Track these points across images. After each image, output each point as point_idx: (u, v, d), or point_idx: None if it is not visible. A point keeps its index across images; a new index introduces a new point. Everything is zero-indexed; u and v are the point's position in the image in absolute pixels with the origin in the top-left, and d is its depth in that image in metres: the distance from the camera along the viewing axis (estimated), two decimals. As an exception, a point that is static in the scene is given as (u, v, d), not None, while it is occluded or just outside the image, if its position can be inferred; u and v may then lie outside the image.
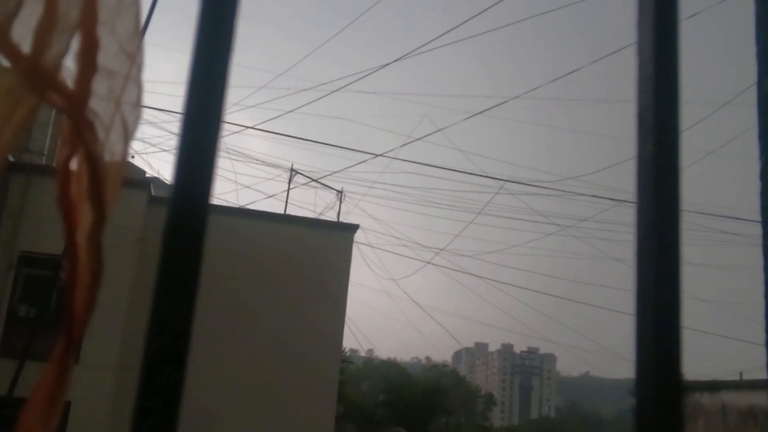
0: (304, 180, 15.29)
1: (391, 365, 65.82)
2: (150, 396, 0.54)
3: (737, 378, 15.07)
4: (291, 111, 13.12)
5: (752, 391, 13.20)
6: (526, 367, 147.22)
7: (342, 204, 15.18)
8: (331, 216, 15.06)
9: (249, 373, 10.77)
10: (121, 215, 8.46)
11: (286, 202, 14.36)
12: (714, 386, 14.57)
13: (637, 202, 0.57)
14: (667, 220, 0.55)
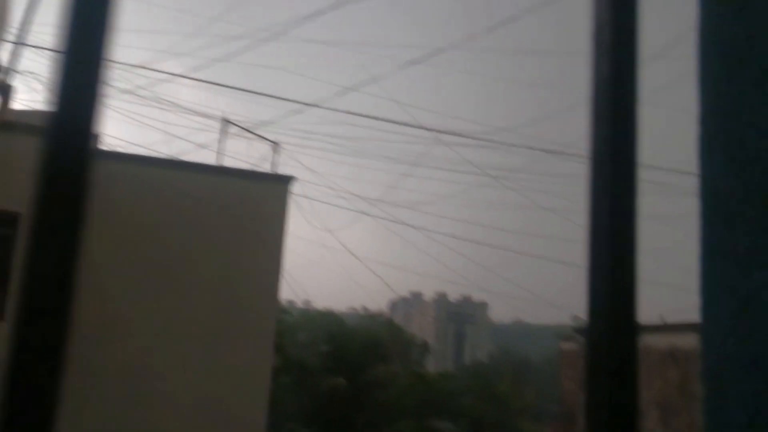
0: (237, 131, 14.95)
1: (328, 315, 66.23)
2: (24, 353, 0.47)
3: (659, 322, 15.74)
4: (223, 59, 12.70)
5: (673, 334, 13.86)
6: (460, 315, 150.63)
7: (277, 155, 14.94)
8: (265, 168, 14.83)
9: (184, 326, 10.63)
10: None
11: (219, 154, 14.04)
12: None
13: (593, 130, 0.53)
14: (625, 148, 0.51)
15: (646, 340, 14.47)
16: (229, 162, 12.60)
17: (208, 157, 12.34)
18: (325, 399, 16.62)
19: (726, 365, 0.85)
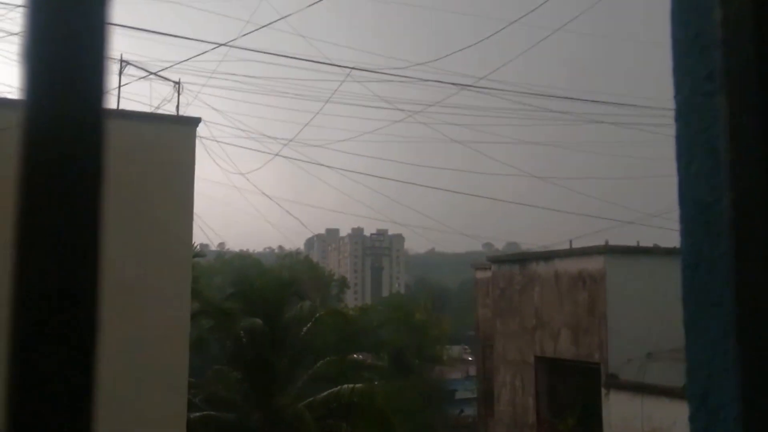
0: (137, 72, 14.19)
1: (243, 257, 65.82)
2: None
3: (567, 246, 16.39)
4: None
5: (581, 258, 14.47)
6: (376, 249, 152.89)
7: (181, 96, 14.34)
8: (169, 110, 14.23)
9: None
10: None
11: (119, 97, 13.35)
12: (548, 256, 15.80)
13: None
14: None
15: (556, 266, 15.05)
16: (130, 106, 12.00)
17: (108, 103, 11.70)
18: (245, 340, 16.60)
19: (715, 381, 0.83)
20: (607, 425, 13.09)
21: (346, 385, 15.74)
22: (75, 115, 0.49)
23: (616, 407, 12.88)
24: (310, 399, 16.02)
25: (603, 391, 13.24)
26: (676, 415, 10.52)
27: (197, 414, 14.36)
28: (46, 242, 0.45)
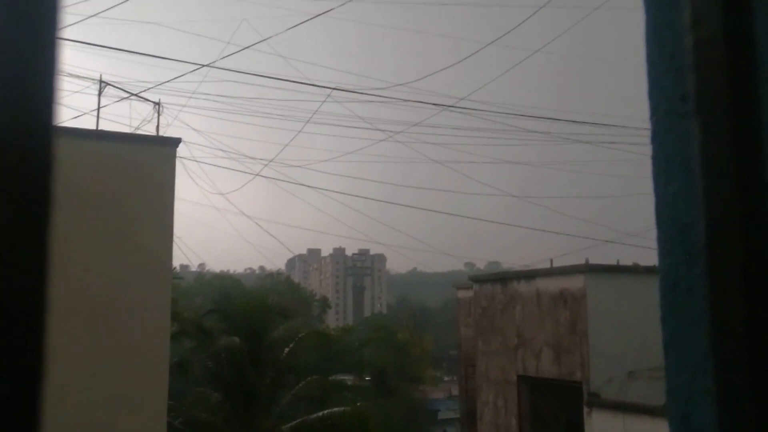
0: (117, 93, 14.12)
1: (224, 278, 65.32)
2: None
3: (548, 265, 16.46)
4: (95, 14, 11.91)
5: (561, 277, 14.52)
6: (358, 269, 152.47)
7: (161, 117, 14.29)
8: (149, 130, 14.17)
9: (72, 303, 10.11)
10: None
11: (98, 118, 13.26)
12: (530, 275, 15.85)
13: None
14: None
15: (537, 285, 15.10)
16: (110, 126, 11.92)
17: (86, 122, 11.63)
18: (225, 360, 16.46)
19: (694, 402, 0.83)
20: (590, 444, 13.09)
21: (336, 408, 15.66)
22: (24, 130, 0.48)
23: (598, 426, 12.89)
24: (299, 420, 15.88)
25: (585, 409, 13.24)
26: (658, 433, 10.55)
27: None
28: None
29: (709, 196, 0.79)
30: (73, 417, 9.60)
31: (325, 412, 15.60)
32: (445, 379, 45.17)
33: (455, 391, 29.44)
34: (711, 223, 0.79)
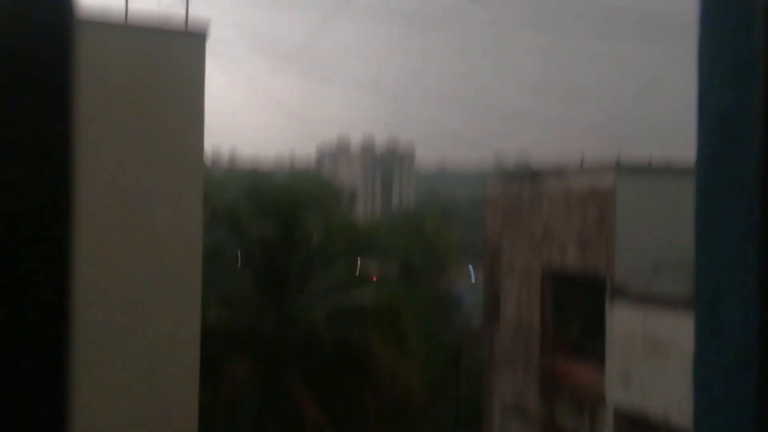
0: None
1: (254, 174, 65.69)
2: None
3: (579, 163, 16.29)
4: None
5: (591, 174, 14.42)
6: (387, 162, 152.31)
7: (188, 5, 13.96)
8: (178, 18, 13.88)
9: (108, 193, 10.32)
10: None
11: (126, 11, 12.97)
12: (558, 173, 15.74)
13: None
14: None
15: (567, 182, 15.02)
16: (136, 17, 11.72)
17: (114, 14, 11.43)
18: (257, 249, 16.91)
19: (724, 285, 0.83)
20: (610, 335, 13.37)
21: (358, 290, 16.12)
22: (43, 18, 0.47)
23: (619, 319, 13.11)
24: (330, 307, 16.42)
25: (607, 302, 13.45)
26: (679, 326, 10.73)
27: (212, 313, 14.71)
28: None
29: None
30: (116, 292, 10.04)
31: (355, 298, 16.09)
32: (471, 268, 46.02)
33: (479, 279, 30.08)
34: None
